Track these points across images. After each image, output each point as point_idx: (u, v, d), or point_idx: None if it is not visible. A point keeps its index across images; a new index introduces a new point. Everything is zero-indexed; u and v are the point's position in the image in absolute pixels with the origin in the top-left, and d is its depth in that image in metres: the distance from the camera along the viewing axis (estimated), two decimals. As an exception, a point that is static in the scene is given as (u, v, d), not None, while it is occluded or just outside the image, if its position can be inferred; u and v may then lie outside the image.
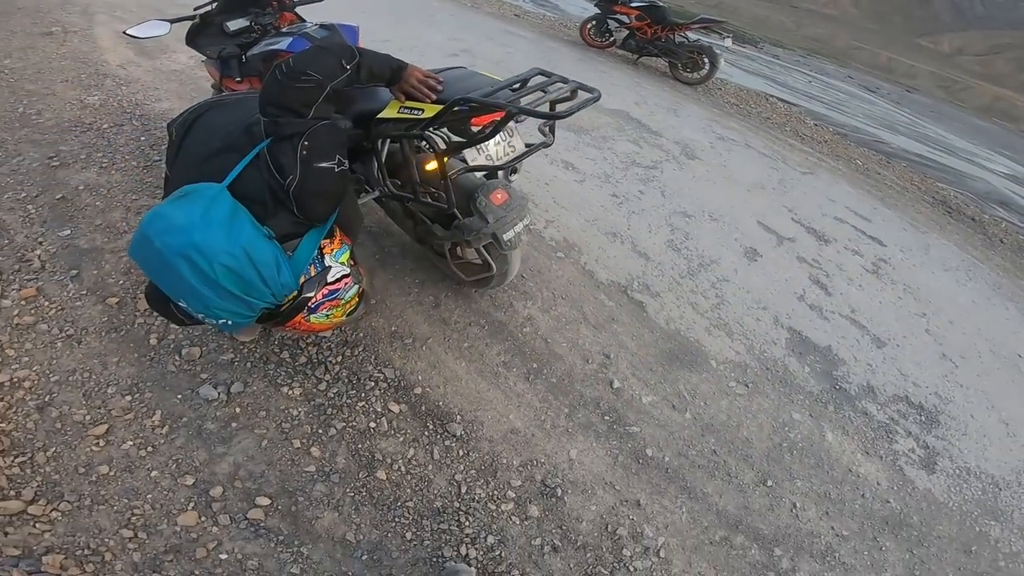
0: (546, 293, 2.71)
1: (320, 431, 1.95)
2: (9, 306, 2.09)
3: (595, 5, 7.72)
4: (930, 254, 4.35)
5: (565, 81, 1.78)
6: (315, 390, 2.06)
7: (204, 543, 1.64)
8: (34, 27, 4.28)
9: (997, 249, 5.06)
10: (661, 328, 2.72)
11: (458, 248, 2.37)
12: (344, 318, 1.68)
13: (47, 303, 2.14)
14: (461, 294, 2.57)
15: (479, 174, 2.07)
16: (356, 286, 1.65)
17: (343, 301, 1.62)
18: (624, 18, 7.30)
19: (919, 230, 4.75)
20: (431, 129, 1.76)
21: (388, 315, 2.41)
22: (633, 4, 7.15)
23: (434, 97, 1.72)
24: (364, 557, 1.70)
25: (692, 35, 7.15)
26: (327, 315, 1.60)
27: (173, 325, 2.14)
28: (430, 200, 1.99)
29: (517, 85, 1.79)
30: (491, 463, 1.99)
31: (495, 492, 1.92)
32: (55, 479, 1.69)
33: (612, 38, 7.65)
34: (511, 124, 1.99)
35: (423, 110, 1.76)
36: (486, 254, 2.23)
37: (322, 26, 2.27)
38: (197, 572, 1.60)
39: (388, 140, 1.98)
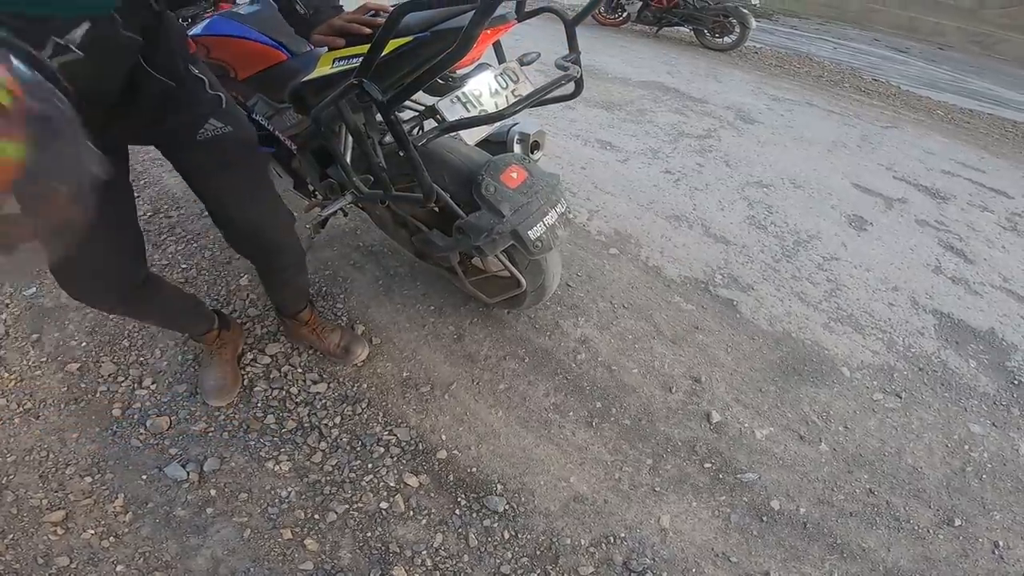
0: (602, 304, 2.19)
1: (317, 516, 1.56)
2: None
3: None
4: (1066, 194, 3.73)
5: None
6: (308, 463, 1.67)
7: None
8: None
9: None
10: (764, 331, 2.16)
11: (471, 260, 1.84)
12: None
13: (7, 374, 1.94)
14: (491, 318, 2.11)
15: (471, 142, 1.52)
16: None
17: None
18: None
19: (1039, 171, 4.14)
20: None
21: (397, 357, 1.97)
22: None
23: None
24: None
25: None
26: None
27: (139, 391, 1.89)
28: (404, 193, 1.41)
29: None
30: (549, 546, 1.51)
31: (558, 585, 1.49)
32: (16, 568, 1.51)
33: (625, 13, 7.18)
34: (514, 66, 1.51)
35: (360, 56, 1.19)
36: (509, 264, 1.69)
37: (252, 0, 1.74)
38: None
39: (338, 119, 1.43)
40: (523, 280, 1.69)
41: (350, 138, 1.53)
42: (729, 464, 1.67)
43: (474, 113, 1.34)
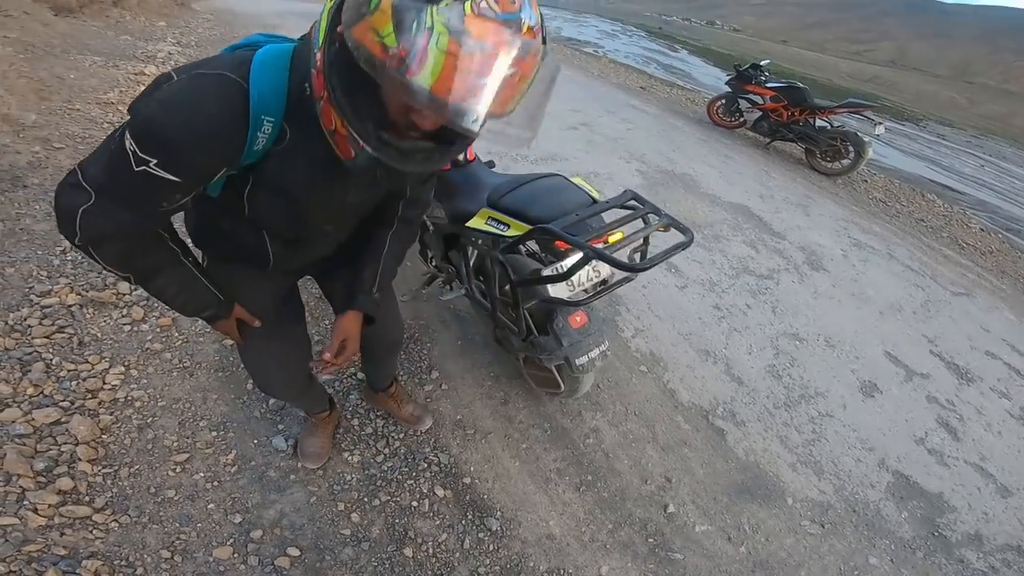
0: (619, 407, 2.81)
1: (365, 499, 2.16)
2: (146, 331, 2.57)
3: (726, 83, 7.71)
4: (1095, 397, 3.82)
5: (658, 213, 1.77)
6: (372, 460, 2.30)
7: (227, 577, 1.85)
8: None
9: None
10: (738, 458, 2.70)
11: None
12: None
13: (177, 334, 2.61)
14: (531, 395, 2.74)
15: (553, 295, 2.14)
16: None
17: None
18: (757, 98, 7.18)
19: (1088, 369, 4.19)
20: (515, 249, 1.92)
21: (457, 403, 2.64)
22: (769, 84, 7.03)
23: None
24: (366, 626, 1.84)
25: (836, 119, 6.80)
26: None
27: None
28: (506, 320, 2.19)
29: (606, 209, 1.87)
30: (517, 563, 2.08)
31: (513, 593, 2.00)
32: (128, 494, 1.98)
33: (742, 118, 7.60)
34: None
35: (509, 226, 1.94)
36: (556, 373, 2.38)
37: None
38: (211, 601, 1.79)
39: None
40: (563, 385, 2.40)
41: (476, 254, 2.31)
42: (666, 544, 2.21)
43: (567, 292, 2.07)
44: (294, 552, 1.96)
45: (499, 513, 2.22)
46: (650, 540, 2.26)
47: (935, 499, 2.74)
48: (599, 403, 2.79)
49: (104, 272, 2.82)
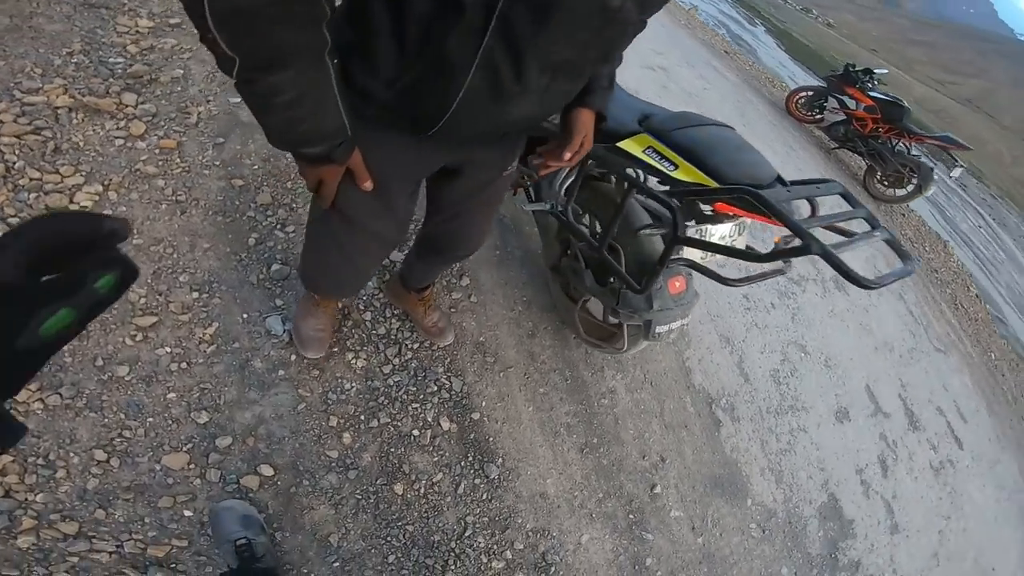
0: (637, 373, 2.73)
1: (363, 418, 1.95)
2: (141, 149, 2.16)
3: (823, 79, 7.38)
4: (994, 469, 4.26)
5: (874, 224, 1.41)
6: (378, 370, 2.08)
7: (176, 493, 1.58)
8: None
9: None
10: (723, 452, 2.75)
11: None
12: None
13: (179, 160, 2.20)
14: (559, 334, 2.61)
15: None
16: None
17: None
18: (851, 102, 6.81)
19: (1001, 444, 4.64)
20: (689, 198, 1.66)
21: (483, 322, 2.45)
22: (871, 94, 6.69)
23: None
24: (336, 564, 1.70)
25: (916, 147, 6.56)
26: None
27: (278, 233, 2.16)
28: (615, 263, 1.91)
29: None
30: (507, 518, 2.03)
31: (494, 547, 1.96)
32: (65, 362, 1.62)
33: (820, 116, 7.32)
34: (748, 222, 1.86)
35: (677, 166, 1.65)
36: (625, 330, 2.18)
37: None
38: (148, 521, 1.53)
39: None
40: (626, 344, 2.18)
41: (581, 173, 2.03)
42: (644, 522, 2.27)
43: (699, 258, 1.89)
44: (267, 471, 1.72)
45: (501, 460, 2.14)
46: (631, 516, 2.29)
47: (846, 525, 2.93)
48: (621, 363, 2.70)
49: (201, 43, 2.40)
